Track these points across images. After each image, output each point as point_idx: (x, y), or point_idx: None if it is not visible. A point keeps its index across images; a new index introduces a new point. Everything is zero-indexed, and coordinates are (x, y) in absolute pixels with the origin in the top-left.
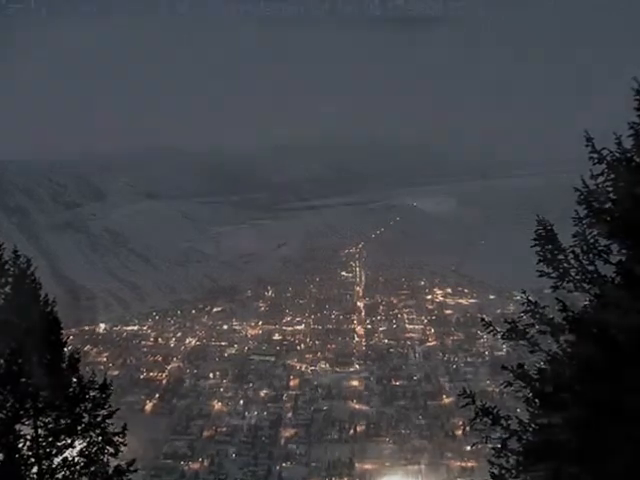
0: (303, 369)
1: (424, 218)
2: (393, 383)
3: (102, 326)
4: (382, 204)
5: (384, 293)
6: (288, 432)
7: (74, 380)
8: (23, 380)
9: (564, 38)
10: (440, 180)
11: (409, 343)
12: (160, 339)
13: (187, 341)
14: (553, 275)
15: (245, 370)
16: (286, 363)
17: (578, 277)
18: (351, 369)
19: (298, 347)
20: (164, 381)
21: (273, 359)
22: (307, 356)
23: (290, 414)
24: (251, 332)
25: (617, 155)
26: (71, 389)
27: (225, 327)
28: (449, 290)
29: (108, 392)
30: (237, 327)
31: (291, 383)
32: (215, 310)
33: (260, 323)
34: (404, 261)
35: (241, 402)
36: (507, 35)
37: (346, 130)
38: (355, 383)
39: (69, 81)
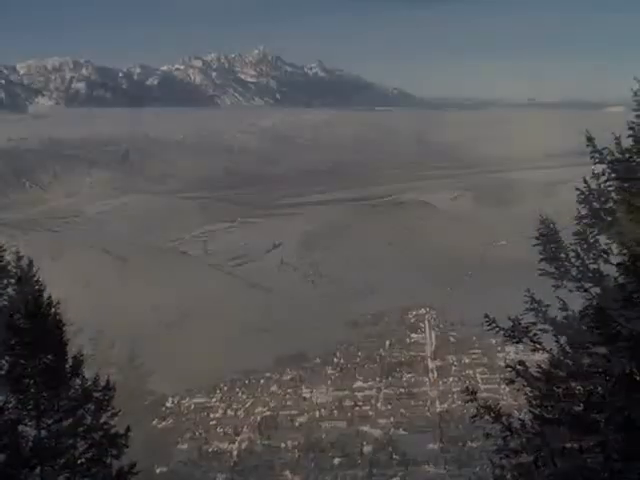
0: (376, 435)
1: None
2: (469, 444)
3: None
4: (388, 200)
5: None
6: None
7: (77, 382)
8: (26, 381)
9: None
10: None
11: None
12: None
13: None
14: (555, 274)
15: (317, 438)
16: (359, 429)
17: (579, 276)
18: (426, 433)
19: (370, 412)
20: (234, 453)
21: (345, 425)
22: (380, 421)
23: None
24: (321, 399)
25: (617, 155)
26: (74, 390)
27: (295, 395)
28: (521, 347)
29: (111, 394)
30: (307, 395)
31: (364, 450)
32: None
33: (330, 389)
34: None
35: (315, 471)
36: None
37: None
38: (430, 446)
39: None
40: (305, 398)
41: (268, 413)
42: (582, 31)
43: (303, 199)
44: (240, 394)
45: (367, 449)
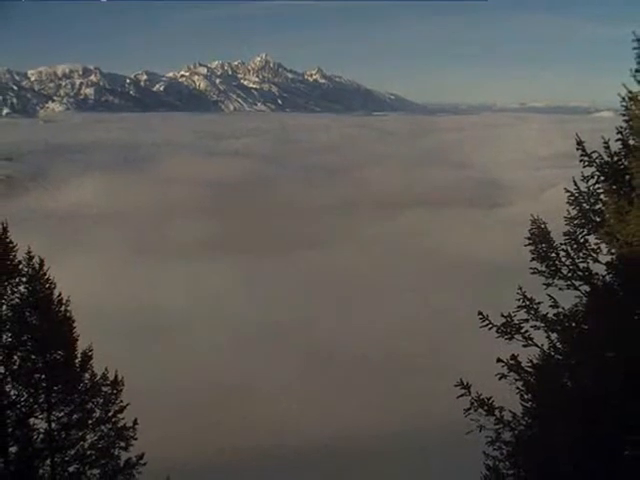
0: None
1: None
2: None
3: None
4: None
5: None
6: None
7: (86, 376)
8: (37, 375)
9: None
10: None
11: None
12: None
13: None
14: (545, 272)
15: None
16: None
17: (569, 274)
18: None
19: None
20: None
21: None
22: None
23: None
24: None
25: (606, 158)
26: (83, 384)
27: None
28: None
29: (119, 388)
30: None
31: None
32: None
33: None
34: None
35: None
36: None
37: None
38: None
39: None
40: None
41: None
42: (573, 38)
43: None
44: None
45: None
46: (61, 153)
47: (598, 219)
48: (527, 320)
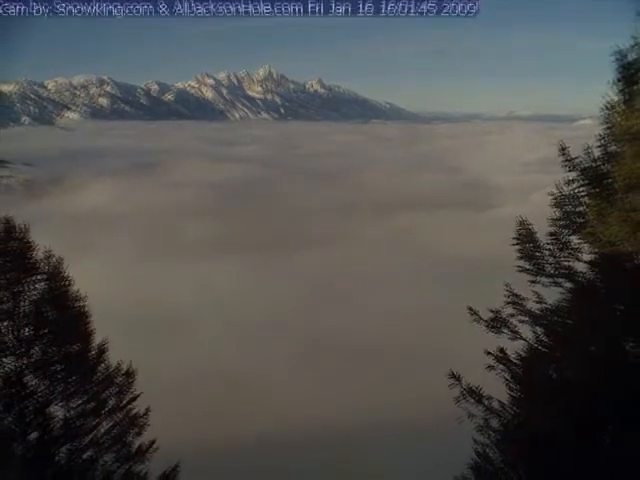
0: None
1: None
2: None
3: None
4: None
5: None
6: None
7: (101, 367)
8: (54, 367)
9: None
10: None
11: None
12: None
13: None
14: (531, 270)
15: None
16: None
17: (554, 272)
18: None
19: None
20: None
21: None
22: None
23: None
24: None
25: (588, 163)
26: (98, 375)
27: None
28: None
29: (132, 378)
30: None
31: None
32: None
33: None
34: None
35: None
36: None
37: None
38: None
39: None
40: None
41: None
42: (559, 51)
43: None
44: None
45: None
46: (77, 159)
47: (581, 220)
48: (514, 315)
